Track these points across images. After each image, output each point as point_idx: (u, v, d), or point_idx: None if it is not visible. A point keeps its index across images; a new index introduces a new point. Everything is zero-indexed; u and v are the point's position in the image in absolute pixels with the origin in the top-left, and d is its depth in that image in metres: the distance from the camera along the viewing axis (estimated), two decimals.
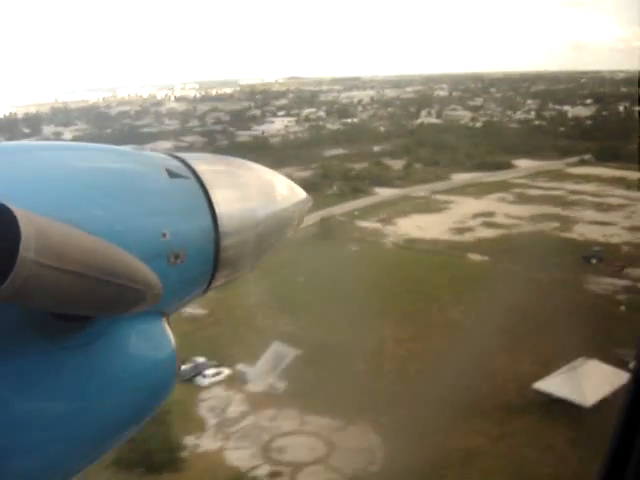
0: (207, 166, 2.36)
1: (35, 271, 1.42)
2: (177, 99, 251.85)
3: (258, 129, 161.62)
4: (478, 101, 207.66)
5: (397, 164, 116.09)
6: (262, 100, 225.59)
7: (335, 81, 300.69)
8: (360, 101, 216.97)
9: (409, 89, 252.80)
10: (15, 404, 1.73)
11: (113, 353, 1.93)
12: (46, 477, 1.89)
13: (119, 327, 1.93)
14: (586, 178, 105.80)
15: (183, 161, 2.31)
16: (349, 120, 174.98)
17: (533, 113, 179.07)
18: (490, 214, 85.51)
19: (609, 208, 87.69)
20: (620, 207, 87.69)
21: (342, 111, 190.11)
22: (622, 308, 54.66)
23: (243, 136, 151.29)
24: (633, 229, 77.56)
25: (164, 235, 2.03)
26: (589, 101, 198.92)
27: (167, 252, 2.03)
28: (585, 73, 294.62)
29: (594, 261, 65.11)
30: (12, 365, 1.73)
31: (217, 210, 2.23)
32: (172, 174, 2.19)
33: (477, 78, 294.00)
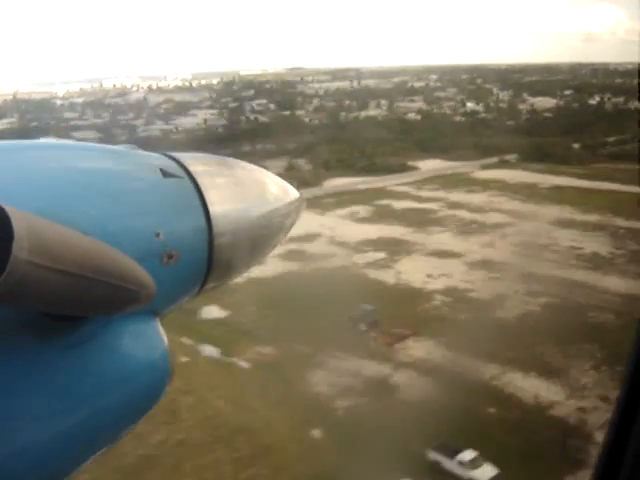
0: (201, 166, 2.29)
1: (28, 271, 1.37)
2: (150, 90, 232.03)
3: (172, 123, 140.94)
4: (450, 92, 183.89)
5: (281, 165, 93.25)
6: (232, 91, 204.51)
7: (333, 72, 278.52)
8: (326, 91, 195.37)
9: (396, 79, 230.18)
10: (6, 403, 1.68)
11: (106, 353, 1.88)
12: (38, 477, 1.81)
13: (112, 327, 1.89)
14: (486, 185, 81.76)
15: (177, 160, 2.25)
16: (288, 113, 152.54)
17: (492, 105, 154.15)
18: (312, 238, 61.70)
19: (477, 230, 63.77)
20: (492, 228, 63.53)
21: (292, 102, 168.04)
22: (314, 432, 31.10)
23: (153, 130, 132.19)
24: (477, 266, 53.52)
25: (157, 235, 1.97)
26: (568, 92, 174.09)
27: (160, 252, 1.98)
28: (592, 65, 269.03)
29: (364, 327, 41.45)
30: (4, 364, 1.68)
31: (211, 210, 2.17)
32: (166, 174, 2.14)
33: (475, 69, 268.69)
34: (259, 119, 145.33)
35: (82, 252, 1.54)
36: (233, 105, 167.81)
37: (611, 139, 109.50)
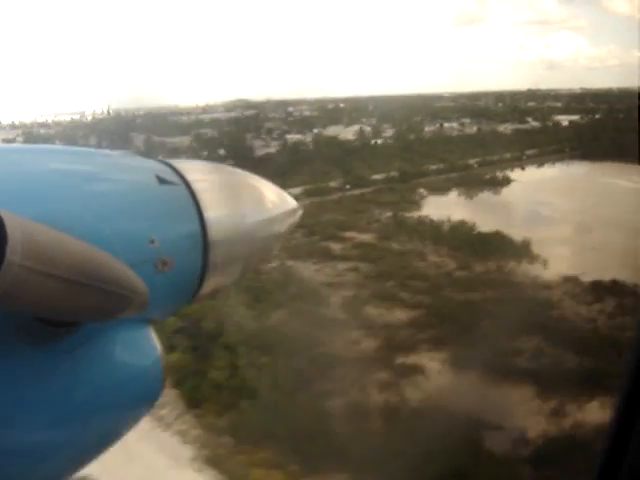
0: (197, 173, 2.25)
1: (21, 275, 1.33)
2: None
3: None
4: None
5: None
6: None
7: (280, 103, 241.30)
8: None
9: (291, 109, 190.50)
10: None
11: (98, 359, 1.84)
12: None
13: (105, 333, 1.85)
14: None
15: (173, 167, 2.21)
16: None
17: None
18: None
19: None
20: None
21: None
22: None
23: None
24: None
25: (152, 241, 1.94)
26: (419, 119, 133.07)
27: (155, 259, 1.95)
28: (538, 91, 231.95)
29: None
30: None
31: (206, 217, 2.14)
32: (162, 180, 2.10)
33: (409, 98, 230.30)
34: None
35: (76, 257, 1.48)
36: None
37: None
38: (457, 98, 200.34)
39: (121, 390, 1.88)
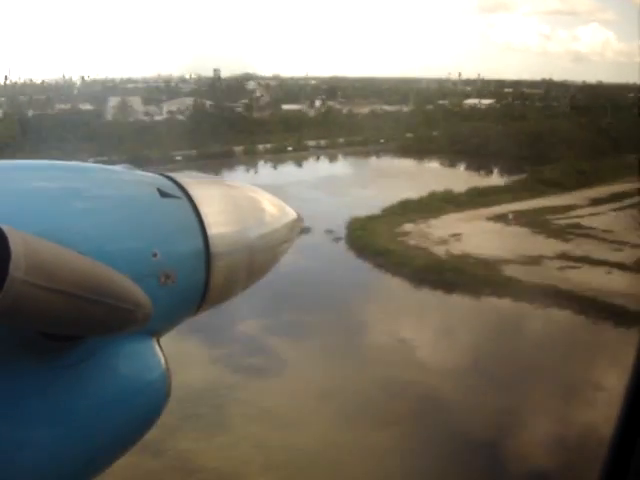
0: (199, 186, 2.24)
1: (25, 290, 1.33)
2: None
3: None
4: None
5: None
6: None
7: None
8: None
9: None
10: (2, 423, 1.64)
11: (103, 374, 1.82)
12: None
13: (109, 347, 1.83)
14: None
15: (175, 181, 2.21)
16: None
17: None
18: None
19: None
20: None
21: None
22: None
23: None
24: None
25: (155, 255, 1.92)
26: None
27: (158, 272, 1.93)
28: (548, 81, 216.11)
29: None
30: (0, 384, 1.64)
31: (208, 230, 2.13)
32: (163, 194, 2.09)
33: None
34: None
35: (79, 272, 1.49)
36: None
37: None
38: (442, 82, 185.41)
39: (125, 404, 1.84)
